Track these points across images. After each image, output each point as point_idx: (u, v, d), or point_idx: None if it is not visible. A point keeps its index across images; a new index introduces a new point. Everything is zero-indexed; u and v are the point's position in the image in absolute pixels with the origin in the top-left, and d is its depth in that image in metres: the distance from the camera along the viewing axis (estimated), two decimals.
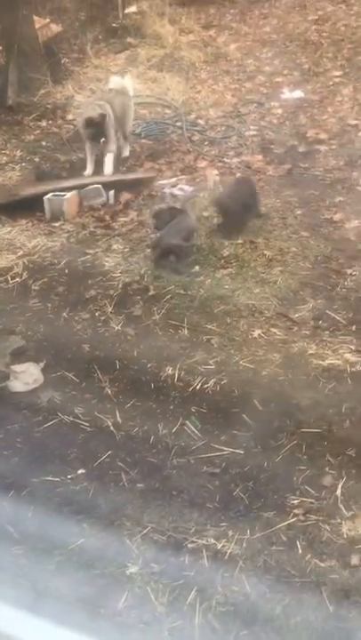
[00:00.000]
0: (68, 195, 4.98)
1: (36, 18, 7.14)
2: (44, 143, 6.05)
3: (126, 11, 8.44)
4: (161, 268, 4.27)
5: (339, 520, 2.80)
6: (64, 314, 4.04)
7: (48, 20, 7.83)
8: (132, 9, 8.48)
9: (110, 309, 4.02)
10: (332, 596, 2.54)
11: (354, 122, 5.98)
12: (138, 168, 5.55)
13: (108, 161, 5.36)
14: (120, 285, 4.21)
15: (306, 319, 3.88)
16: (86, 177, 5.32)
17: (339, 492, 2.90)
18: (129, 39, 7.89)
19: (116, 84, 5.69)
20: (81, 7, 8.54)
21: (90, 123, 5.20)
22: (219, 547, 2.73)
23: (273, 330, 3.81)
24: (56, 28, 7.87)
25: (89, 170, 5.42)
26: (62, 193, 5.00)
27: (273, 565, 2.67)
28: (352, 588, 2.57)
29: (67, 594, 2.60)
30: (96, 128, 5.19)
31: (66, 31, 7.91)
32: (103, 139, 5.25)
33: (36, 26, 7.06)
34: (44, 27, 7.60)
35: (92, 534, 2.80)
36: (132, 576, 2.65)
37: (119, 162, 5.54)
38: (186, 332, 3.82)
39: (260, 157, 5.54)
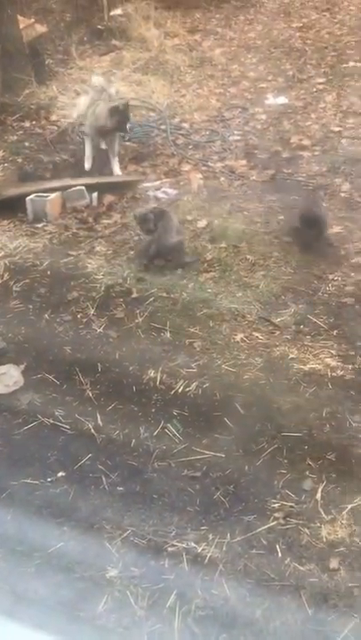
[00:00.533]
0: (51, 196, 4.96)
1: (20, 18, 7.10)
2: (27, 144, 6.01)
3: (112, 13, 8.44)
4: (150, 271, 4.28)
5: (318, 524, 2.83)
6: (45, 316, 4.01)
7: (33, 20, 7.79)
8: (118, 11, 8.48)
9: (92, 311, 4.01)
10: (311, 600, 2.56)
11: (337, 128, 6.04)
12: (122, 170, 5.55)
13: (116, 163, 5.44)
14: (102, 288, 4.21)
15: (288, 323, 3.91)
16: (87, 171, 5.41)
17: (319, 495, 2.93)
18: (114, 41, 7.89)
19: (96, 83, 5.70)
20: (66, 8, 8.52)
21: (115, 111, 5.21)
22: (199, 550, 2.74)
23: (255, 334, 3.83)
24: (41, 28, 7.83)
25: (88, 164, 5.46)
26: (45, 194, 4.98)
27: (253, 569, 2.68)
28: (331, 591, 2.59)
29: (46, 597, 2.58)
30: (121, 116, 5.21)
31: (51, 32, 7.89)
32: (129, 125, 5.28)
33: (21, 26, 7.02)
34: (29, 27, 7.55)
35: (72, 537, 2.79)
36: (112, 580, 2.64)
37: (103, 164, 5.53)
38: (168, 334, 3.82)
39: (243, 162, 5.57)
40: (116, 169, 5.46)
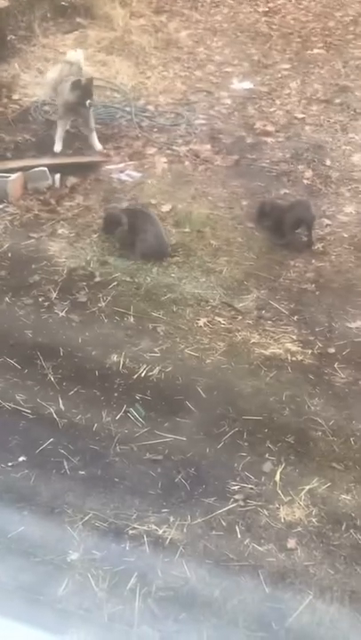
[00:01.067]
0: (13, 176, 4.84)
1: None
2: None
3: None
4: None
5: (277, 505, 2.89)
6: (6, 299, 3.94)
7: None
8: None
9: (54, 295, 3.96)
10: (269, 579, 2.62)
11: (301, 115, 6.06)
12: (85, 152, 5.46)
13: (94, 138, 5.37)
14: (65, 271, 4.15)
15: (250, 309, 3.94)
16: (56, 153, 5.29)
17: (278, 477, 2.98)
18: (78, 19, 7.69)
19: (72, 59, 5.57)
20: None
21: (77, 86, 5.11)
22: (160, 532, 2.76)
23: (218, 319, 3.85)
24: (2, 2, 7.57)
25: (58, 146, 5.34)
26: (6, 174, 4.86)
27: (213, 550, 2.72)
28: (288, 570, 2.66)
29: (6, 582, 2.57)
30: (83, 90, 5.12)
31: (12, 7, 7.63)
32: (89, 101, 5.17)
33: None
34: None
35: (33, 522, 2.78)
36: (73, 563, 2.65)
37: (66, 144, 5.43)
38: (132, 319, 3.81)
39: (208, 147, 5.54)
40: (96, 143, 5.38)
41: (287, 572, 2.65)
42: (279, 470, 3.02)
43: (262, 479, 2.99)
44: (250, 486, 2.95)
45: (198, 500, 2.90)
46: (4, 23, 7.17)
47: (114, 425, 3.21)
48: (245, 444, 3.14)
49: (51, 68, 5.81)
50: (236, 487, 2.95)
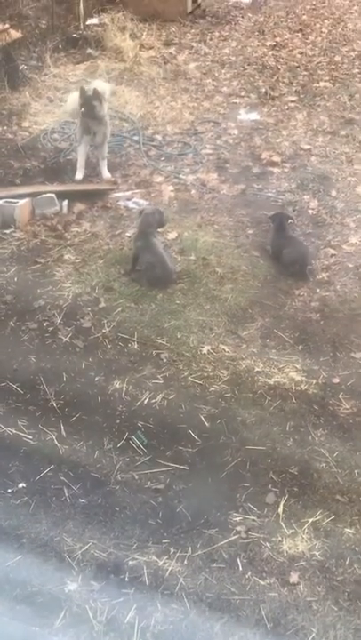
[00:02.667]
0: (21, 202, 4.91)
1: None
2: None
3: (88, 22, 8.44)
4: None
5: (280, 538, 2.84)
6: (11, 323, 3.96)
7: (8, 25, 7.74)
8: (94, 21, 8.48)
9: (59, 320, 3.97)
10: (271, 614, 2.57)
11: (307, 146, 6.15)
12: (94, 179, 5.53)
13: (104, 166, 5.45)
14: (70, 296, 4.17)
15: (254, 337, 3.93)
16: (77, 181, 5.37)
17: (281, 509, 2.94)
18: (89, 50, 7.88)
19: (100, 88, 5.66)
20: (42, 15, 8.48)
21: (83, 94, 5.18)
22: (160, 564, 2.72)
23: (222, 346, 3.84)
24: (16, 34, 7.77)
25: (80, 174, 5.41)
26: (14, 200, 4.92)
27: (213, 583, 2.67)
28: (290, 605, 2.60)
29: (1, 612, 2.52)
30: (89, 99, 5.18)
31: (25, 38, 7.84)
32: (96, 119, 5.23)
33: None
34: (4, 32, 7.50)
35: (31, 550, 2.74)
36: (71, 594, 2.60)
37: (74, 171, 5.51)
38: (135, 345, 3.81)
39: (214, 176, 5.61)
40: (105, 172, 5.46)
41: (289, 608, 2.59)
42: (282, 502, 2.97)
43: (265, 511, 2.94)
44: (252, 518, 2.91)
45: (200, 531, 2.86)
46: (17, 53, 7.35)
47: (115, 453, 3.18)
48: (248, 474, 3.10)
49: (71, 93, 5.88)
50: (238, 518, 2.91)
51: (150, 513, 2.92)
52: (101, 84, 5.76)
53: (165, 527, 2.87)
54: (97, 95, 5.28)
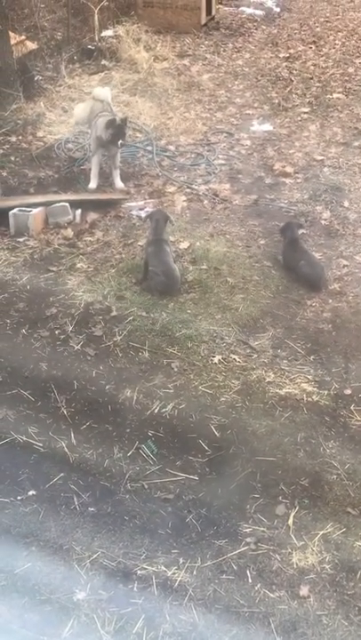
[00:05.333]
0: (34, 211, 4.95)
1: (11, 34, 7.15)
2: (12, 158, 6.01)
3: (103, 34, 8.54)
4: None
5: (289, 550, 2.82)
6: (23, 330, 3.98)
7: (24, 36, 7.85)
8: (109, 33, 8.58)
9: (71, 328, 3.99)
10: (280, 628, 2.54)
11: (319, 157, 6.16)
12: (107, 189, 5.58)
13: (117, 175, 5.52)
14: (82, 305, 4.19)
15: (265, 347, 3.93)
16: (91, 190, 5.44)
17: (291, 521, 2.92)
18: (104, 62, 7.97)
19: (100, 95, 5.75)
20: (57, 27, 8.60)
21: (112, 124, 5.28)
22: (169, 574, 2.71)
23: (233, 356, 3.84)
24: (31, 45, 7.88)
25: (94, 183, 5.48)
26: (28, 209, 4.97)
27: (222, 595, 2.65)
28: (300, 619, 2.58)
29: (10, 619, 2.52)
30: (117, 130, 5.28)
31: (41, 49, 7.94)
32: (121, 141, 5.34)
33: (12, 42, 7.06)
34: (20, 43, 7.61)
35: (40, 558, 2.74)
36: (79, 603, 2.60)
37: (88, 181, 5.56)
38: (146, 354, 3.82)
39: (227, 186, 5.63)
40: (118, 181, 5.52)
41: (299, 622, 2.57)
42: (292, 514, 2.96)
43: (275, 522, 2.93)
44: (262, 529, 2.89)
45: (209, 541, 2.85)
46: (33, 64, 7.45)
47: (125, 461, 3.18)
48: (258, 485, 3.09)
49: (77, 104, 5.97)
50: (247, 530, 2.89)
51: (160, 522, 2.92)
52: (102, 90, 5.87)
53: (175, 537, 2.86)
54: (126, 123, 5.39)
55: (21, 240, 4.84)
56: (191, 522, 2.92)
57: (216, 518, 2.94)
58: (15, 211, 4.94)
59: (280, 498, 3.03)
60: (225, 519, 2.94)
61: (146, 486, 3.07)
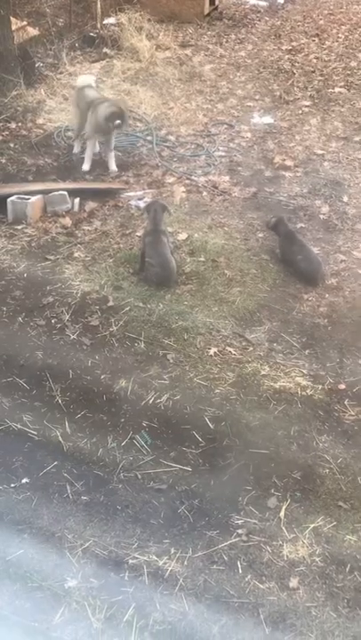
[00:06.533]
0: (33, 199, 4.93)
1: (13, 20, 7.08)
2: (11, 145, 5.97)
3: (105, 21, 8.47)
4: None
5: (280, 542, 2.84)
6: (19, 318, 3.97)
7: (25, 22, 7.78)
8: (111, 20, 8.51)
9: (67, 317, 3.99)
10: (269, 618, 2.56)
11: (320, 151, 6.14)
12: (105, 178, 5.55)
13: (112, 158, 5.58)
14: (79, 294, 4.18)
15: (261, 340, 3.93)
16: (83, 173, 5.50)
17: (282, 513, 2.94)
18: (105, 50, 7.91)
19: (84, 82, 5.77)
20: (59, 13, 8.52)
21: (116, 115, 5.31)
22: (160, 564, 2.72)
23: (229, 349, 3.84)
24: (33, 31, 7.81)
25: (87, 165, 5.54)
26: (27, 196, 4.95)
27: (212, 585, 2.67)
28: (289, 610, 2.60)
29: (1, 606, 2.53)
30: (121, 118, 5.36)
31: (42, 36, 7.88)
32: (118, 121, 5.40)
33: (13, 27, 6.99)
34: (21, 29, 7.54)
35: (32, 545, 2.75)
36: (71, 590, 2.61)
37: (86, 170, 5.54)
38: (142, 345, 3.82)
39: (226, 178, 5.62)
40: (112, 164, 5.54)
41: (288, 613, 2.59)
42: (284, 506, 2.97)
43: (266, 514, 2.94)
44: (253, 521, 2.91)
45: (201, 532, 2.86)
46: (34, 51, 7.39)
47: (119, 451, 3.19)
48: (251, 477, 3.10)
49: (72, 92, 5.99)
50: (239, 521, 2.91)
51: (152, 512, 2.93)
52: (86, 77, 5.92)
53: (167, 527, 2.87)
54: (125, 112, 5.45)
55: (19, 228, 4.82)
56: (183, 512, 2.93)
57: (208, 509, 2.95)
58: (13, 198, 4.91)
59: (272, 490, 3.04)
60: (217, 510, 2.95)
61: (139, 476, 3.08)
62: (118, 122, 5.37)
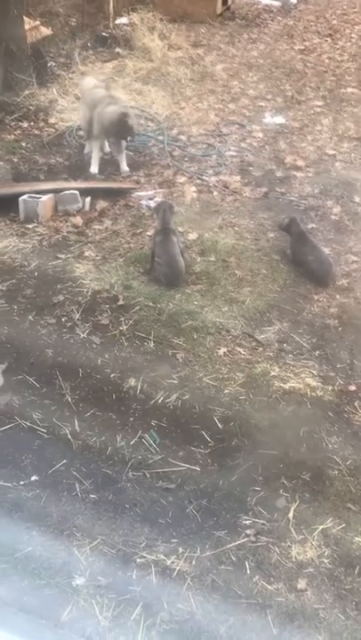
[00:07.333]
0: (44, 197, 4.95)
1: (26, 19, 7.12)
2: (23, 144, 6.00)
3: (117, 21, 8.49)
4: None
5: (289, 543, 2.83)
6: (30, 317, 3.99)
7: (38, 22, 7.81)
8: (123, 20, 8.53)
9: (77, 316, 4.00)
10: (277, 619, 2.55)
11: (331, 152, 6.11)
12: (116, 177, 5.56)
13: (123, 159, 5.58)
14: (89, 293, 4.19)
15: (271, 341, 3.92)
16: (92, 174, 5.51)
17: (291, 514, 2.93)
18: (118, 49, 7.93)
19: (88, 85, 5.79)
20: (72, 13, 8.55)
21: (122, 119, 5.33)
22: (168, 563, 2.72)
23: (238, 349, 3.84)
24: (46, 30, 7.85)
25: (95, 168, 5.53)
26: (38, 195, 4.97)
27: (220, 585, 2.67)
28: (297, 611, 2.59)
29: (9, 602, 2.54)
30: (127, 124, 5.36)
31: (55, 35, 7.91)
32: (130, 137, 5.44)
33: (26, 27, 7.03)
34: (34, 28, 7.57)
35: (41, 543, 2.76)
36: (78, 588, 2.62)
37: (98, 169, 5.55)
38: (152, 344, 3.82)
39: (237, 178, 5.61)
40: (124, 165, 5.55)
41: (296, 614, 2.58)
42: (293, 507, 2.96)
43: (275, 515, 2.93)
44: (262, 522, 2.90)
45: (209, 532, 2.86)
46: (46, 50, 7.42)
47: (128, 450, 3.19)
48: (260, 478, 3.09)
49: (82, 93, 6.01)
50: (247, 522, 2.90)
51: (160, 512, 2.93)
52: (90, 80, 5.95)
53: (175, 527, 2.87)
54: (129, 116, 5.43)
55: (30, 226, 4.83)
56: (192, 512, 2.93)
57: (216, 509, 2.95)
58: (25, 197, 4.93)
59: (281, 491, 3.03)
60: (225, 510, 2.95)
61: (148, 475, 3.08)
62: (129, 138, 5.38)
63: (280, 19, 9.29)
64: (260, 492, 3.02)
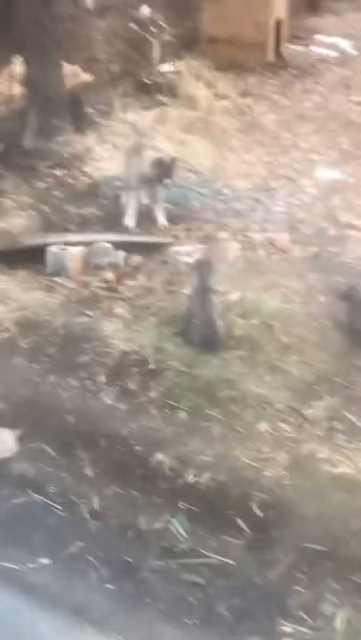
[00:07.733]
0: (74, 250, 5.12)
1: (65, 65, 7.59)
2: (55, 193, 6.27)
3: (161, 68, 8.96)
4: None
5: None
6: (51, 378, 4.06)
7: (78, 67, 8.31)
8: (168, 67, 8.99)
9: (103, 379, 4.05)
10: None
11: None
12: (153, 231, 5.73)
13: (159, 210, 5.76)
14: (117, 354, 4.25)
15: (320, 418, 3.88)
16: (127, 228, 5.66)
17: (338, 622, 2.81)
18: (160, 97, 8.33)
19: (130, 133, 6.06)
20: (114, 59, 9.08)
21: (160, 163, 5.54)
22: None
23: (282, 425, 3.80)
24: (85, 76, 8.34)
25: (131, 221, 5.69)
26: (68, 247, 5.14)
27: None
28: None
29: None
30: (165, 169, 5.55)
31: (95, 81, 8.38)
32: (167, 180, 5.59)
33: (65, 72, 7.49)
34: (73, 74, 8.06)
35: (49, 638, 2.70)
36: None
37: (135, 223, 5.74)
38: (184, 414, 3.82)
39: (285, 236, 5.70)
40: (161, 218, 5.72)
41: None
42: (341, 615, 2.84)
43: (320, 623, 2.82)
44: (304, 630, 2.79)
45: (241, 637, 2.76)
46: (85, 96, 7.86)
47: (152, 535, 3.15)
48: (303, 577, 2.99)
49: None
50: (287, 628, 2.79)
51: (186, 610, 2.85)
52: (132, 128, 6.26)
53: (202, 629, 2.78)
54: (174, 163, 5.67)
55: (58, 280, 4.99)
56: (222, 613, 2.84)
57: (251, 611, 2.85)
58: (53, 248, 5.12)
59: (328, 594, 2.92)
60: (262, 613, 2.85)
61: (173, 566, 3.02)
62: (167, 181, 5.57)
63: (336, 69, 9.67)
64: (302, 594, 2.92)
